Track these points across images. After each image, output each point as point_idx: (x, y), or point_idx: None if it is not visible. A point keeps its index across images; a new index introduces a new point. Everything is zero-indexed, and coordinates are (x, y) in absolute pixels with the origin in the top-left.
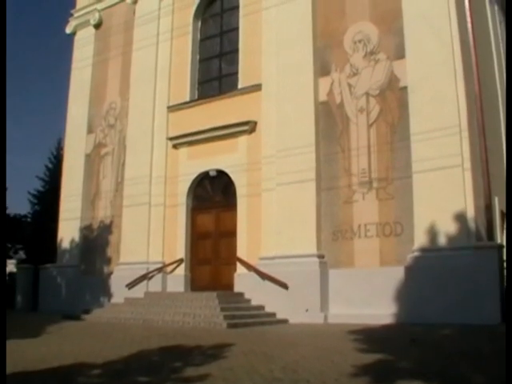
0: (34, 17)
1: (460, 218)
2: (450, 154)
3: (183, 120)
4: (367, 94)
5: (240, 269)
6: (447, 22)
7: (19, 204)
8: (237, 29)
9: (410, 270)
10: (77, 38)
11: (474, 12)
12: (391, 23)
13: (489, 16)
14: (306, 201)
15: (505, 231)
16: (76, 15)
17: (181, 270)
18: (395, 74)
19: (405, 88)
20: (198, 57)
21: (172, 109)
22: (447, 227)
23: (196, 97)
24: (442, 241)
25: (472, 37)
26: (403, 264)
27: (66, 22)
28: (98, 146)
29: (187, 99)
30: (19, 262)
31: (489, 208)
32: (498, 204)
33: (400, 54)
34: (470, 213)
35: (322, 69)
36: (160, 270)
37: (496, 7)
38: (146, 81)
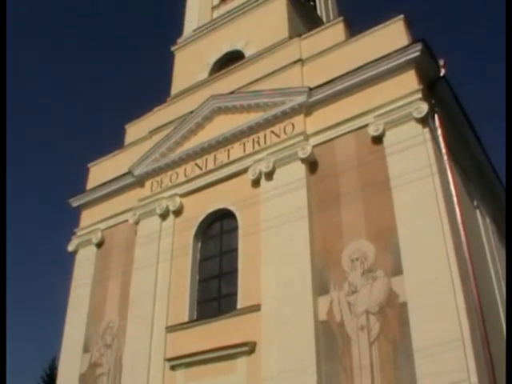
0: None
1: None
2: (454, 368)
3: (182, 341)
4: (367, 312)
5: None
6: (441, 237)
7: None
8: (236, 249)
9: None
10: (78, 256)
11: (467, 225)
12: (387, 241)
13: (481, 227)
14: None
15: None
16: (79, 234)
17: None
18: (394, 291)
19: (404, 304)
20: (197, 277)
21: (170, 329)
22: None
23: (195, 317)
24: None
25: (467, 249)
26: None
27: (69, 241)
28: (94, 365)
29: (186, 319)
30: None
31: None
32: None
33: (397, 270)
34: None
35: (320, 288)
36: None
37: (488, 219)
38: (145, 300)
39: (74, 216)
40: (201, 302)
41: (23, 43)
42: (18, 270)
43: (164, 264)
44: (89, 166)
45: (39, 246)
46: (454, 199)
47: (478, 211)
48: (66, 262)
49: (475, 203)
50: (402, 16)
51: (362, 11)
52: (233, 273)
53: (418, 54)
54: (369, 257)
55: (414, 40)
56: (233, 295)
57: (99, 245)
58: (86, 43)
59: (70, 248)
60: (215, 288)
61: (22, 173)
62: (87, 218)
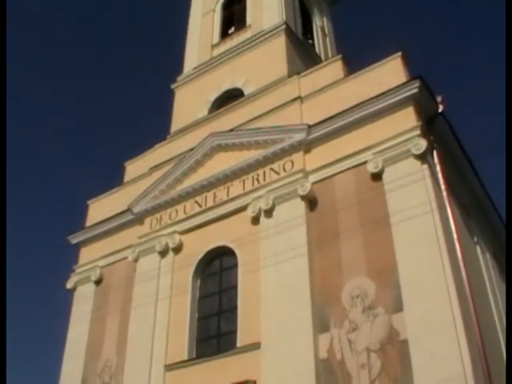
0: (33, 276)
1: None
2: None
3: (181, 379)
4: (368, 350)
5: None
6: (442, 273)
7: None
8: (235, 287)
9: None
10: (77, 293)
11: (468, 261)
12: (387, 277)
13: (482, 263)
14: None
15: None
16: (77, 271)
17: None
18: (395, 328)
19: (405, 341)
20: (196, 315)
21: (169, 367)
22: None
23: (194, 355)
24: None
25: (468, 285)
26: None
27: (67, 278)
28: None
29: (185, 358)
30: None
31: None
32: None
33: (398, 307)
34: None
35: (321, 325)
36: None
37: (488, 255)
38: (144, 338)
39: (72, 253)
40: (200, 340)
41: (23, 83)
42: (15, 307)
43: (163, 302)
44: (88, 202)
45: (37, 283)
46: (454, 235)
47: (478, 247)
48: (65, 300)
49: (475, 239)
50: (399, 53)
51: (359, 48)
52: (232, 310)
53: (416, 90)
54: (369, 294)
55: (412, 77)
56: (232, 333)
57: (98, 282)
58: (86, 79)
59: (69, 285)
60: (215, 326)
61: (21, 208)
62: (86, 255)
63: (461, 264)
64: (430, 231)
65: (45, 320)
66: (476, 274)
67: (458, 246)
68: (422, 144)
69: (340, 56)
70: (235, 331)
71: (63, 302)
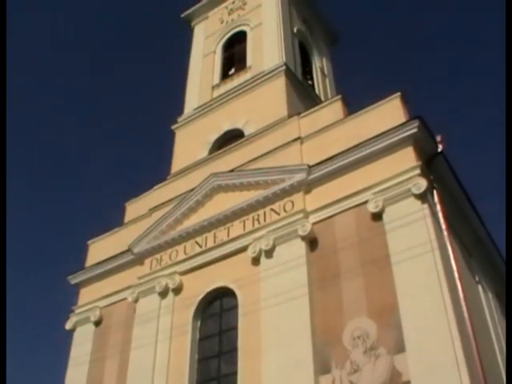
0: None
1: None
2: None
3: None
4: None
5: None
6: (443, 313)
7: None
8: (236, 328)
9: None
10: (76, 334)
11: (469, 301)
12: (389, 318)
13: (483, 302)
14: None
15: None
16: (77, 311)
17: None
18: (397, 369)
19: (408, 382)
20: (196, 356)
21: None
22: None
23: None
24: None
25: (470, 325)
26: None
27: (67, 318)
28: None
29: None
30: None
31: None
32: None
33: (400, 348)
34: None
35: (322, 367)
36: None
37: (490, 294)
38: (144, 380)
39: (72, 293)
40: (200, 382)
41: (25, 117)
42: (13, 348)
43: (163, 343)
44: (88, 243)
45: (36, 323)
46: (456, 275)
47: (479, 286)
48: (64, 340)
49: (477, 278)
50: (398, 93)
51: (359, 88)
52: (233, 352)
53: (415, 130)
54: (370, 334)
55: (411, 117)
56: (233, 375)
57: (97, 323)
58: (85, 120)
59: (68, 326)
60: (215, 367)
61: (20, 248)
62: (86, 295)
63: (463, 304)
64: (431, 271)
65: (43, 360)
66: (478, 313)
67: (459, 285)
68: (422, 183)
69: (339, 96)
70: (236, 373)
71: (62, 343)
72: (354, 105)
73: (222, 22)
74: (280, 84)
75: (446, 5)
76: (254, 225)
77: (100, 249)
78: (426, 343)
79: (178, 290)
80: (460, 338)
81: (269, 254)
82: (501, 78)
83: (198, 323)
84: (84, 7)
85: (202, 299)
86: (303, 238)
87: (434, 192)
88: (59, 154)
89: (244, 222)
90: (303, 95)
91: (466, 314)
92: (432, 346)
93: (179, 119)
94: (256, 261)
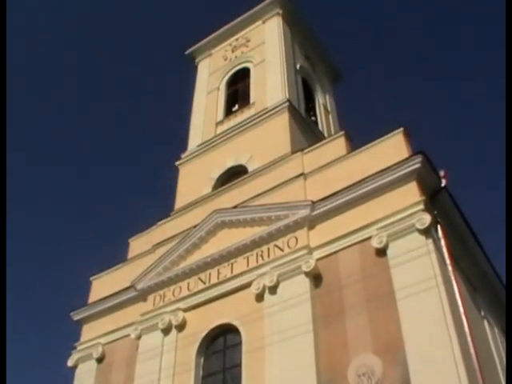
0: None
1: None
2: None
3: None
4: None
5: None
6: (449, 349)
7: None
8: (240, 365)
9: None
10: (78, 371)
11: (475, 336)
12: (394, 354)
13: (490, 337)
14: None
15: None
16: (79, 348)
17: None
18: None
19: None
20: None
21: None
22: None
23: None
24: None
25: (476, 361)
26: None
27: (69, 355)
28: None
29: None
30: None
31: None
32: None
33: None
34: None
35: None
36: None
37: (496, 329)
38: None
39: (74, 329)
40: None
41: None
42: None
43: (166, 380)
44: (91, 279)
45: (38, 360)
46: (461, 310)
47: (485, 321)
48: (66, 377)
49: (482, 313)
50: (401, 129)
51: (362, 123)
52: None
53: (418, 165)
54: (376, 371)
55: (414, 152)
56: None
57: (100, 360)
58: (89, 157)
59: (70, 363)
60: None
61: (22, 285)
62: (88, 331)
63: (468, 339)
64: (436, 306)
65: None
66: (484, 348)
67: (465, 320)
68: (426, 219)
69: (342, 132)
70: None
71: (64, 380)
72: (357, 140)
73: (225, 59)
74: (283, 120)
75: (447, 42)
76: (257, 261)
77: (103, 285)
78: (433, 379)
79: (181, 327)
80: (466, 374)
81: (273, 290)
82: (501, 112)
83: (202, 360)
84: (88, 45)
85: (206, 336)
86: (307, 274)
87: (438, 227)
88: (63, 190)
89: (248, 258)
90: (306, 131)
91: (472, 350)
92: (438, 382)
93: (183, 155)
94: (260, 297)
